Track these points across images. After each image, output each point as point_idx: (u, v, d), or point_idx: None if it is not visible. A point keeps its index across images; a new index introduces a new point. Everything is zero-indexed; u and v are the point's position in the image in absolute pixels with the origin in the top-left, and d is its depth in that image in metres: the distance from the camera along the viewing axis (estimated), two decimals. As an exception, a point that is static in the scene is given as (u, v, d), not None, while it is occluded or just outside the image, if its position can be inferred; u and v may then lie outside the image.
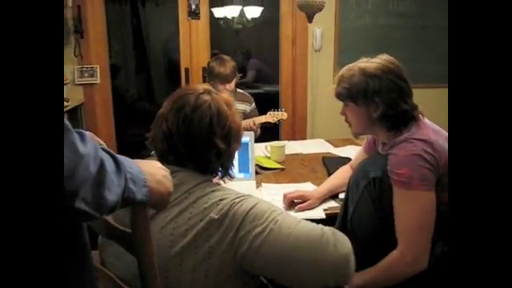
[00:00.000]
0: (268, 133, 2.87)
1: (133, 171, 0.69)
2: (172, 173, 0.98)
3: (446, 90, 3.09)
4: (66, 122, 0.56)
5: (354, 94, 1.32)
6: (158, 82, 5.49)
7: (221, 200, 0.96)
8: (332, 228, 0.96)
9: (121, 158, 0.68)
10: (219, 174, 1.12)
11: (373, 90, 1.28)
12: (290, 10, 3.26)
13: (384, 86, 1.28)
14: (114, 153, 0.66)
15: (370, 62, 1.33)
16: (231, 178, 1.15)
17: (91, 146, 0.60)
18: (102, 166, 0.61)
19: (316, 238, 0.91)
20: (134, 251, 0.80)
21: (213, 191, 0.99)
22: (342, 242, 0.93)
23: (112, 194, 0.62)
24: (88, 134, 0.93)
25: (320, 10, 1.73)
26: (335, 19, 3.23)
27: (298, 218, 0.97)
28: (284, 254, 0.90)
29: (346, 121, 1.43)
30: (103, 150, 0.65)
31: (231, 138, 1.07)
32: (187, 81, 3.31)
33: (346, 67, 1.37)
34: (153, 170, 0.76)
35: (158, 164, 0.81)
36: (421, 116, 1.34)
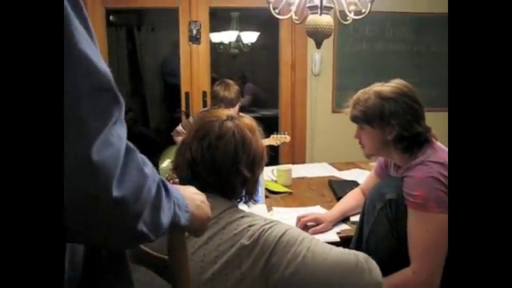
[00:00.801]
0: (268, 156, 2.88)
1: (178, 196, 0.69)
2: None
3: (441, 114, 3.16)
4: (128, 142, 0.56)
5: (369, 116, 1.34)
6: (153, 105, 5.50)
7: (250, 226, 0.95)
8: (365, 254, 0.97)
9: (166, 182, 0.68)
10: (243, 199, 1.12)
11: (389, 113, 1.31)
12: (290, 35, 3.32)
13: (400, 109, 1.31)
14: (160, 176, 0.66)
15: (385, 86, 1.36)
16: (255, 202, 1.15)
17: (150, 167, 0.60)
18: (159, 189, 0.60)
19: (351, 265, 0.92)
20: (169, 278, 0.79)
21: (242, 217, 0.98)
22: (375, 269, 0.93)
23: (166, 218, 0.62)
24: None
25: (328, 36, 1.78)
26: (334, 45, 3.29)
27: (329, 244, 0.97)
28: (319, 281, 0.90)
29: (360, 143, 1.45)
30: None
31: (256, 164, 1.06)
32: (187, 105, 3.32)
33: (361, 91, 1.40)
34: (192, 196, 0.76)
35: (194, 189, 0.80)
36: (434, 139, 1.36)
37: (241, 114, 2.75)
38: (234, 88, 2.57)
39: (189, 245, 0.94)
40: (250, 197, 1.12)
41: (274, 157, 3.42)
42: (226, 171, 1.02)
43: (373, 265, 0.94)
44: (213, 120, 1.05)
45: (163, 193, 0.62)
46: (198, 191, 0.81)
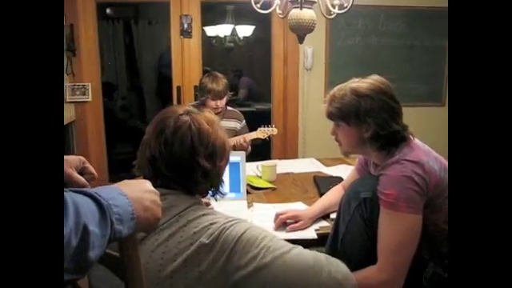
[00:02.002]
0: (259, 151, 2.87)
1: (120, 209, 0.66)
2: (161, 195, 0.97)
3: (434, 109, 3.13)
4: None
5: (345, 113, 1.32)
6: (150, 99, 5.50)
7: (211, 224, 0.94)
8: (326, 255, 0.96)
9: (108, 192, 0.66)
10: (210, 193, 1.11)
11: (365, 110, 1.29)
12: (282, 29, 3.30)
13: (376, 106, 1.29)
14: (98, 196, 0.64)
15: (362, 82, 1.33)
16: (222, 195, 1.14)
17: (72, 216, 0.57)
18: (84, 231, 0.58)
19: (309, 265, 0.91)
20: (121, 275, 0.79)
21: (203, 215, 0.97)
22: (336, 269, 0.93)
23: (96, 249, 0.60)
24: (78, 159, 0.91)
25: (310, 31, 1.75)
26: (326, 39, 3.27)
27: (290, 243, 0.96)
28: (277, 281, 0.89)
29: (337, 140, 1.44)
30: (87, 194, 0.63)
31: (216, 156, 1.05)
32: (179, 99, 3.32)
33: (337, 87, 1.37)
34: (141, 195, 0.73)
35: (148, 186, 0.78)
36: (411, 137, 1.34)
37: (229, 108, 2.75)
38: (223, 81, 2.56)
39: (149, 242, 0.94)
40: (216, 190, 1.11)
41: (266, 151, 3.43)
42: (185, 165, 1.01)
43: (333, 265, 0.93)
44: (169, 116, 1.04)
45: (92, 228, 0.59)
46: (152, 188, 0.78)
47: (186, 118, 1.04)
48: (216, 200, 1.14)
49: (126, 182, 0.76)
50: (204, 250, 0.91)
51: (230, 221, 0.96)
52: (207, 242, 0.91)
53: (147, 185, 0.78)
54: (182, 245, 0.92)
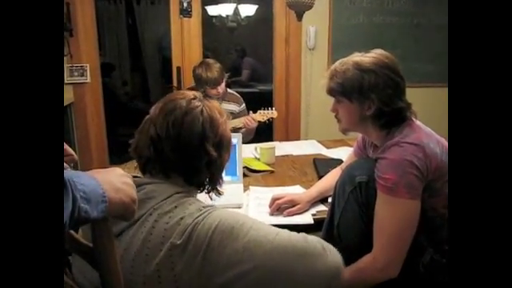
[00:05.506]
0: (260, 133, 2.82)
1: (87, 188, 0.64)
2: (140, 185, 0.92)
3: (441, 89, 3.05)
4: None
5: (348, 89, 1.25)
6: (153, 80, 5.45)
7: (181, 219, 0.87)
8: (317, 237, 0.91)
9: (74, 174, 0.63)
10: (206, 188, 1.04)
11: (368, 86, 1.22)
12: (284, 8, 3.21)
13: (380, 82, 1.22)
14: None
15: (365, 57, 1.26)
16: (219, 194, 1.07)
17: None
18: None
19: (301, 246, 0.85)
20: (97, 268, 0.75)
21: (175, 207, 0.90)
22: (332, 251, 0.88)
23: None
24: None
25: (309, 9, 1.68)
26: (329, 17, 3.19)
27: (273, 227, 0.90)
28: (270, 270, 0.83)
29: (336, 117, 1.37)
30: None
31: (223, 146, 1.00)
32: (179, 79, 3.26)
33: (339, 61, 1.30)
34: (112, 178, 0.71)
35: (119, 171, 0.75)
36: (414, 117, 1.28)
37: (229, 90, 2.70)
38: (216, 66, 2.49)
39: (124, 238, 0.88)
40: (214, 185, 1.04)
41: (267, 133, 3.38)
42: (192, 149, 0.96)
43: (329, 247, 0.88)
44: (180, 97, 1.00)
45: None
46: (124, 173, 0.75)
47: (198, 103, 0.99)
48: (211, 199, 1.07)
49: (95, 170, 0.73)
50: (176, 252, 0.83)
51: (202, 212, 0.88)
52: (179, 242, 0.84)
53: (118, 170, 0.76)
54: (152, 244, 0.85)
